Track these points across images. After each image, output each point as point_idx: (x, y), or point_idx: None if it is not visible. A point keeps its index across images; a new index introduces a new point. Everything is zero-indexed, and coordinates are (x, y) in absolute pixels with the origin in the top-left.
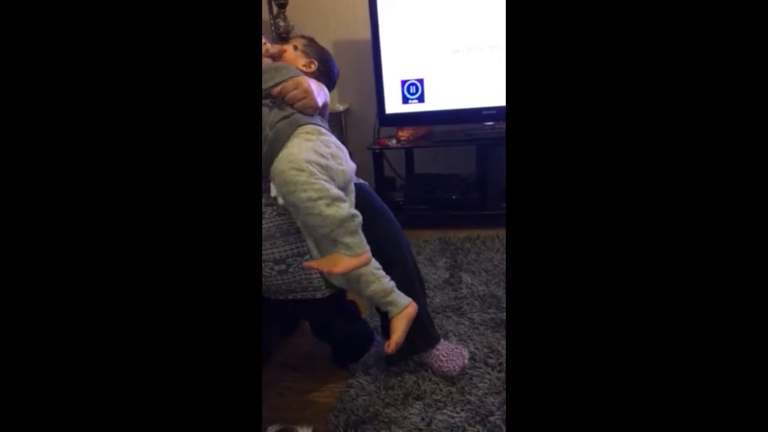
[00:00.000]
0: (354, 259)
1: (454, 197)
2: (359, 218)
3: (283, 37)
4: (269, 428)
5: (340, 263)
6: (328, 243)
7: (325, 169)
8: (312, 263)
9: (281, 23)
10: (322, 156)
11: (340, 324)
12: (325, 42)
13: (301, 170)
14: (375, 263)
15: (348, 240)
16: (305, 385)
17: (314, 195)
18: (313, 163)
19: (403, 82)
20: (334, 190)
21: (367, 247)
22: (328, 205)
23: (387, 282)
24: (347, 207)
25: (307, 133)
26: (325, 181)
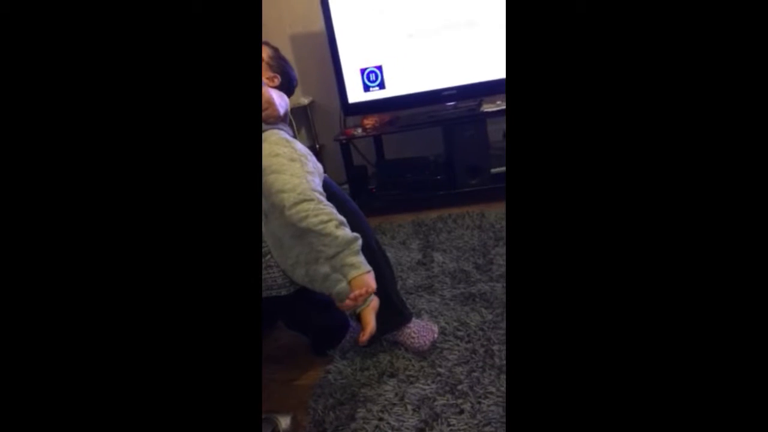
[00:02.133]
0: (369, 275)
1: (423, 179)
2: (360, 240)
3: None
4: None
5: (368, 282)
6: (302, 244)
7: (321, 184)
8: (351, 296)
9: None
10: (311, 172)
11: (313, 316)
12: (282, 37)
13: (311, 199)
14: None
15: (353, 260)
16: (287, 375)
17: (325, 218)
18: (316, 191)
19: (362, 71)
20: (340, 216)
21: (369, 267)
22: (336, 227)
23: None
24: (350, 231)
25: (276, 143)
26: (330, 206)
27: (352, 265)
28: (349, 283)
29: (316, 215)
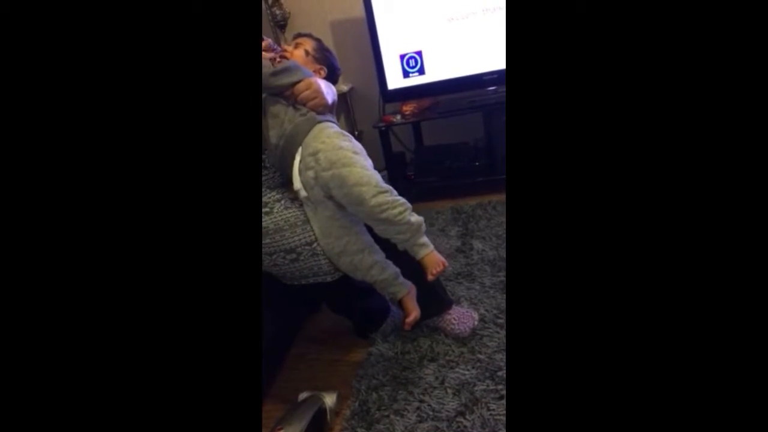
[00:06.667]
0: (435, 251)
1: (463, 165)
2: (424, 224)
3: (281, 25)
4: (300, 395)
5: (438, 259)
6: (350, 234)
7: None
8: (431, 273)
9: (277, 11)
10: (371, 165)
11: (356, 301)
12: (322, 25)
13: (386, 191)
14: (381, 254)
15: (423, 240)
16: (331, 356)
17: (402, 209)
18: (383, 182)
19: (402, 56)
20: (408, 203)
21: (432, 245)
22: (410, 214)
23: (392, 269)
24: (417, 215)
25: (335, 136)
26: (400, 195)
27: (423, 245)
28: (421, 260)
29: (393, 207)
